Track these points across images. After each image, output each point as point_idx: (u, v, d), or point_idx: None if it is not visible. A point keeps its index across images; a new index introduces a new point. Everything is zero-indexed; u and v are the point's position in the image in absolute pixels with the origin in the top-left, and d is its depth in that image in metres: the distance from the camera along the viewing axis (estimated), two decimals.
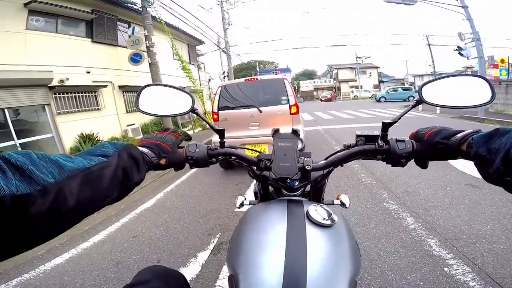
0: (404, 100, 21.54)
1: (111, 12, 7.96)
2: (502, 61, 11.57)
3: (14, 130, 5.30)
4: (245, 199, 0.89)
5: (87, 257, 2.28)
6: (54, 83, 5.89)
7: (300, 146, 0.69)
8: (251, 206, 0.76)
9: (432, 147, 0.55)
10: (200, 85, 13.21)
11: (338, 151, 0.71)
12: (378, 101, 22.92)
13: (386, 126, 0.61)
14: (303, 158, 0.66)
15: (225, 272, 1.86)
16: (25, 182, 0.29)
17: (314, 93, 38.72)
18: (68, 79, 6.24)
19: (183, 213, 2.96)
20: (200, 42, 14.28)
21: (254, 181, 0.85)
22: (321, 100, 31.17)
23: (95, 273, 2.03)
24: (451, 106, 0.61)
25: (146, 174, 0.50)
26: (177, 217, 2.86)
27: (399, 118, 0.63)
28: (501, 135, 0.38)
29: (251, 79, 4.15)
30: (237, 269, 0.47)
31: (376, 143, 0.62)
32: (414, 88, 25.33)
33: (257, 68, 31.37)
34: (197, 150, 0.68)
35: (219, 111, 4.00)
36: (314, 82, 41.28)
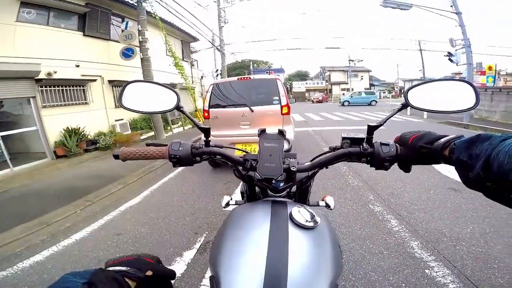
0: (368, 104, 22.36)
1: (106, 6, 7.82)
2: (490, 68, 11.89)
3: None
4: (231, 199, 0.88)
5: (68, 255, 2.22)
6: (41, 75, 5.73)
7: (286, 147, 0.69)
8: (235, 207, 0.75)
9: (415, 152, 0.55)
10: (193, 82, 13.09)
11: (323, 153, 0.71)
12: (342, 104, 23.57)
13: (371, 129, 0.62)
14: (288, 159, 0.65)
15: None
16: None
17: (306, 94, 38.99)
18: (56, 72, 6.07)
19: (170, 211, 2.91)
20: (195, 39, 14.14)
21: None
22: (313, 102, 31.44)
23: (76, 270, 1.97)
24: (436, 110, 0.62)
25: None
26: (163, 215, 2.82)
27: (384, 122, 0.63)
28: (482, 141, 0.39)
29: (244, 78, 4.13)
30: (218, 270, 0.47)
31: (361, 146, 0.62)
32: (402, 92, 25.89)
33: (251, 67, 31.29)
34: (180, 148, 0.67)
35: (210, 109, 3.96)
36: (306, 83, 41.55)
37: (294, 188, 0.75)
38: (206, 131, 0.71)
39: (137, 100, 0.75)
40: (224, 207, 0.87)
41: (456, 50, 10.80)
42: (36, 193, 3.75)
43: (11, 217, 2.91)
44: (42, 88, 5.88)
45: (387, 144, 0.60)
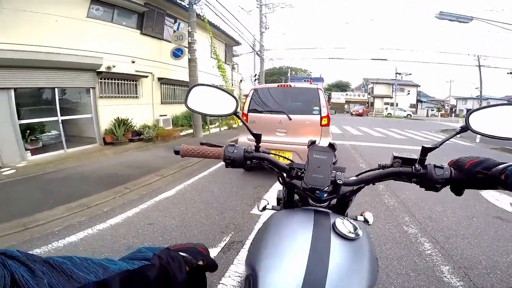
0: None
1: (161, 6, 8.45)
2: None
3: (60, 107, 5.81)
4: (268, 203, 0.90)
5: (101, 239, 2.34)
6: (102, 69, 6.39)
7: (333, 159, 0.70)
8: (276, 211, 0.79)
9: (471, 176, 0.56)
10: (232, 85, 13.47)
11: (370, 170, 0.72)
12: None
13: (425, 151, 0.63)
14: (335, 171, 0.67)
15: (231, 271, 1.88)
16: (64, 280, 0.30)
17: (346, 106, 37.65)
18: (114, 66, 6.72)
19: (200, 207, 3.02)
20: (237, 43, 14.59)
21: (277, 187, 0.86)
22: (352, 114, 30.19)
23: (106, 255, 2.08)
24: (501, 137, 0.59)
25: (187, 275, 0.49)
26: (193, 211, 2.93)
27: (440, 144, 0.63)
28: None
29: (284, 85, 4.14)
30: (257, 270, 0.49)
31: (413, 167, 0.63)
32: (453, 111, 23.53)
33: (288, 74, 31.24)
34: (235, 151, 0.72)
35: (249, 113, 4.04)
36: (346, 94, 40.15)
37: (334, 201, 0.76)
38: (258, 137, 0.75)
39: (200, 102, 0.81)
40: (261, 211, 0.89)
41: None
42: (82, 176, 4.13)
43: (57, 196, 3.21)
44: (101, 80, 6.55)
45: (441, 167, 0.61)
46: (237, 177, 4.14)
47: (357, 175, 0.72)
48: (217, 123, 10.73)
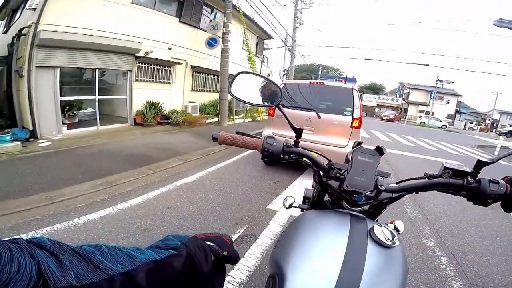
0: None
1: None
2: None
3: (98, 87, 6.18)
4: (294, 201, 0.88)
5: (120, 219, 2.39)
6: (141, 53, 6.67)
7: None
8: (307, 210, 0.78)
9: None
10: None
11: (415, 178, 0.70)
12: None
13: (480, 165, 0.61)
14: (379, 177, 0.66)
15: (241, 264, 1.88)
16: (91, 271, 0.30)
17: (376, 109, 36.05)
18: (152, 52, 6.98)
19: (218, 196, 3.08)
20: (269, 37, 14.43)
21: (297, 184, 0.85)
22: (382, 119, 28.82)
23: (121, 235, 2.13)
24: None
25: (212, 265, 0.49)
26: (211, 199, 2.99)
27: (498, 160, 0.62)
28: None
29: (316, 82, 4.05)
30: (285, 269, 0.48)
31: (465, 179, 0.61)
32: (495, 126, 21.39)
33: (319, 72, 30.41)
34: (274, 144, 0.70)
35: (276, 107, 4.01)
36: (379, 98, 38.31)
37: (367, 206, 0.74)
38: (299, 132, 0.73)
39: (244, 90, 0.79)
40: (287, 208, 0.88)
41: None
42: (110, 153, 4.33)
43: (85, 172, 3.38)
44: (138, 64, 6.86)
45: (497, 183, 0.60)
46: (258, 170, 4.16)
47: (397, 182, 0.69)
48: (242, 114, 10.82)
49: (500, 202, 0.61)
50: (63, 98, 5.61)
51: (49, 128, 5.26)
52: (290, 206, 0.87)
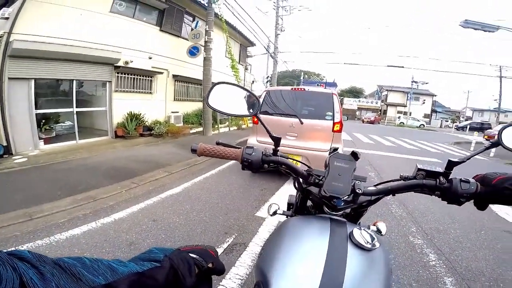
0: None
1: (181, 4, 8.57)
2: None
3: (76, 99, 5.96)
4: (279, 208, 0.89)
5: (104, 233, 2.33)
6: (120, 63, 6.53)
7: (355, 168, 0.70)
8: (290, 217, 0.79)
9: (498, 192, 0.57)
10: (244, 86, 13.49)
11: (391, 180, 0.72)
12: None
13: (451, 165, 0.62)
14: (356, 181, 0.67)
15: (232, 273, 1.87)
16: (73, 283, 0.30)
17: (357, 112, 37.12)
18: (132, 61, 6.86)
19: (205, 206, 3.03)
20: (252, 44, 14.64)
21: (284, 190, 0.85)
22: (363, 121, 29.69)
23: (107, 250, 2.08)
24: None
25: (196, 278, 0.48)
26: (198, 209, 2.94)
27: (467, 159, 0.63)
28: None
29: (297, 88, 4.12)
30: (269, 276, 0.49)
31: (438, 180, 0.63)
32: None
33: (301, 78, 31.03)
34: (253, 153, 0.71)
35: (260, 115, 4.02)
36: (359, 101, 39.56)
37: (349, 209, 0.75)
38: (277, 141, 0.74)
39: (222, 101, 0.80)
40: (271, 215, 0.88)
41: None
42: (91, 167, 4.18)
43: (65, 187, 3.24)
44: (118, 74, 6.70)
45: (467, 182, 0.61)
46: (244, 178, 4.14)
47: (375, 185, 0.71)
48: (227, 123, 10.78)
49: (473, 200, 0.62)
50: (39, 111, 5.36)
51: (24, 144, 5.00)
52: (275, 213, 0.88)
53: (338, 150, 0.73)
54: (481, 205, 0.62)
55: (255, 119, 4.05)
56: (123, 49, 6.53)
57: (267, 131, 0.76)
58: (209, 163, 4.83)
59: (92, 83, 6.98)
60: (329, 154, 0.71)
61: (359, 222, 0.80)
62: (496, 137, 0.63)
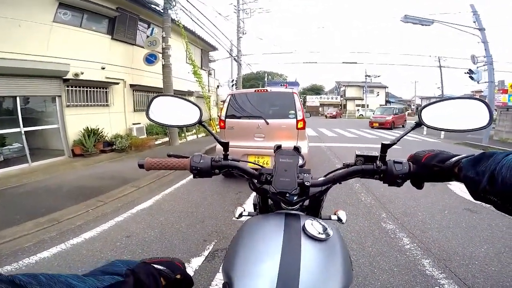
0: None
1: (135, 11, 8.18)
2: None
3: (22, 117, 5.38)
4: (244, 210, 0.91)
5: (76, 254, 2.24)
6: (69, 76, 6.02)
7: (301, 162, 0.73)
8: (249, 217, 0.79)
9: (428, 170, 0.57)
10: (209, 91, 13.34)
11: (337, 169, 0.74)
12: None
13: (385, 147, 0.64)
14: (303, 174, 0.68)
15: (218, 279, 1.86)
16: None
17: (320, 109, 38.82)
18: (83, 73, 6.36)
19: (180, 217, 2.94)
20: (214, 49, 14.53)
21: (254, 193, 0.87)
22: (326, 117, 31.18)
23: (83, 270, 1.98)
24: (450, 129, 0.63)
25: None
26: (173, 221, 2.85)
27: (397, 140, 0.65)
28: (487, 158, 0.42)
29: (261, 90, 4.17)
30: (232, 277, 0.49)
31: (375, 164, 0.65)
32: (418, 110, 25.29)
33: (265, 79, 31.62)
34: (201, 161, 0.71)
35: (227, 119, 4.01)
36: (321, 97, 41.45)
37: (307, 202, 0.77)
38: (225, 146, 0.75)
39: (163, 113, 0.80)
40: (237, 218, 0.90)
41: (477, 68, 10.46)
42: (50, 190, 3.87)
43: (23, 212, 3.00)
44: (68, 88, 6.16)
45: (400, 162, 0.63)
46: (217, 184, 4.09)
47: (325, 176, 0.74)
48: (194, 130, 10.54)
49: (410, 180, 0.63)
50: None
51: None
52: (240, 215, 0.89)
53: (281, 147, 0.75)
54: (418, 184, 0.62)
55: (221, 124, 4.07)
56: (72, 61, 6.03)
57: (214, 137, 0.77)
58: (178, 174, 4.68)
59: (40, 99, 6.33)
60: (274, 152, 0.74)
61: (320, 213, 0.83)
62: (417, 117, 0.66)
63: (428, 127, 0.64)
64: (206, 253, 2.21)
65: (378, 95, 38.84)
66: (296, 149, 0.72)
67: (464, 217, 2.88)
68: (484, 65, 10.13)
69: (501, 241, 2.34)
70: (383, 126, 15.31)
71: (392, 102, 42.05)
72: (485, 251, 2.18)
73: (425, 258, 2.09)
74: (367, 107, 33.57)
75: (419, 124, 0.64)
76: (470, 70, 10.62)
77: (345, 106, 39.00)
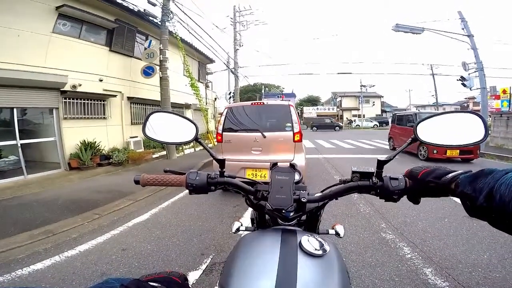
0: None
1: (133, 23, 8.29)
2: (504, 91, 11.41)
3: (19, 130, 5.35)
4: (241, 225, 0.90)
5: (71, 266, 2.21)
6: (67, 87, 6.03)
7: (297, 178, 0.73)
8: (246, 233, 0.78)
9: (424, 185, 0.57)
10: (206, 104, 13.41)
11: (333, 185, 0.75)
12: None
13: (381, 164, 0.64)
14: (299, 190, 0.69)
15: None
16: None
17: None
18: (80, 85, 6.39)
19: (177, 230, 2.90)
20: (211, 61, 14.72)
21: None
22: None
23: (77, 282, 1.98)
24: (445, 145, 0.64)
25: None
26: (170, 234, 2.81)
27: (394, 156, 0.65)
28: (485, 175, 0.42)
29: (257, 103, 4.20)
30: None
31: (371, 180, 0.65)
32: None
33: (263, 91, 31.91)
34: (197, 178, 0.71)
35: (224, 133, 4.01)
36: (317, 109, 41.82)
37: (304, 217, 0.77)
38: (221, 163, 0.75)
39: (159, 129, 0.80)
40: (234, 232, 0.89)
41: (469, 74, 10.48)
42: (45, 202, 3.83)
43: (17, 224, 2.98)
44: (65, 100, 6.17)
45: (396, 178, 0.63)
46: (215, 197, 4.05)
47: (321, 191, 0.74)
48: (192, 144, 10.48)
49: (406, 196, 0.63)
50: None
51: None
52: (238, 230, 0.89)
53: (278, 164, 0.76)
54: (414, 199, 0.62)
55: (219, 138, 4.08)
56: (70, 72, 6.06)
57: (210, 154, 0.78)
58: (175, 188, 4.64)
59: (37, 111, 6.32)
60: (270, 169, 0.75)
61: (318, 228, 0.83)
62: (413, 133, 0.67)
63: (424, 143, 0.64)
64: (203, 266, 2.18)
65: (373, 104, 39.33)
66: (292, 166, 0.73)
67: (464, 224, 2.86)
68: (475, 72, 10.17)
69: (503, 247, 2.32)
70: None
71: (388, 111, 42.61)
72: (488, 258, 2.15)
73: (427, 267, 2.06)
74: (363, 117, 33.89)
75: (415, 139, 0.65)
76: (462, 77, 10.64)
77: (341, 116, 39.35)
